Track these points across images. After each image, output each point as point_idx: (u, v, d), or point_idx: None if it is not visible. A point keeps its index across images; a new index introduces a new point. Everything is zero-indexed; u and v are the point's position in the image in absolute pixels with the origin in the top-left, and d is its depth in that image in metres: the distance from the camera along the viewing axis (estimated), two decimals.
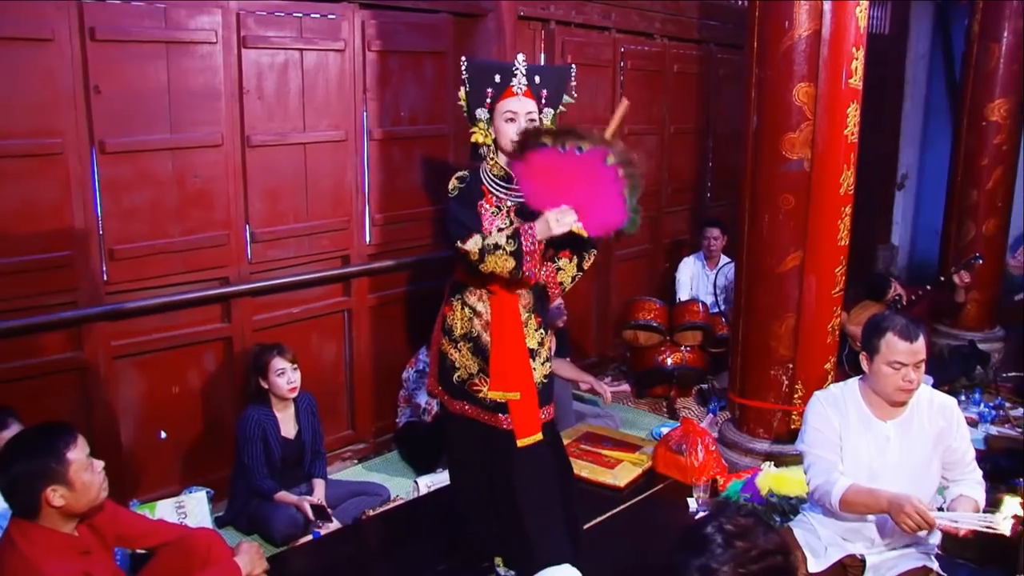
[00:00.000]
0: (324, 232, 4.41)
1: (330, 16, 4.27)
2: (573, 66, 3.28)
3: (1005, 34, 6.02)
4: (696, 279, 6.23)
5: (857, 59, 3.99)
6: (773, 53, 4.06)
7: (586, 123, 3.39)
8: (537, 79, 3.06)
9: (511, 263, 2.89)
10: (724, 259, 6.11)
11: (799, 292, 4.18)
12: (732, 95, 6.51)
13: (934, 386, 3.48)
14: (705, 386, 5.66)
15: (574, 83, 3.20)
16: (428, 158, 4.84)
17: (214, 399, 4.14)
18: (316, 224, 4.36)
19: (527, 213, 3.01)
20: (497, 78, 3.01)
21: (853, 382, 2.94)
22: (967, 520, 2.62)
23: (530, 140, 2.95)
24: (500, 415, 3.13)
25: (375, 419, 4.82)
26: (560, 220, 2.87)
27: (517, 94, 3.02)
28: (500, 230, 2.99)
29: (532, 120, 3.03)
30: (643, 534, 3.79)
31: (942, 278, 6.11)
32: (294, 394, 3.93)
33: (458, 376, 3.20)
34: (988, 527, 2.57)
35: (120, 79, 3.60)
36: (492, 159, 3.11)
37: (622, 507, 4.04)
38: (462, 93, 3.10)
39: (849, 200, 4.14)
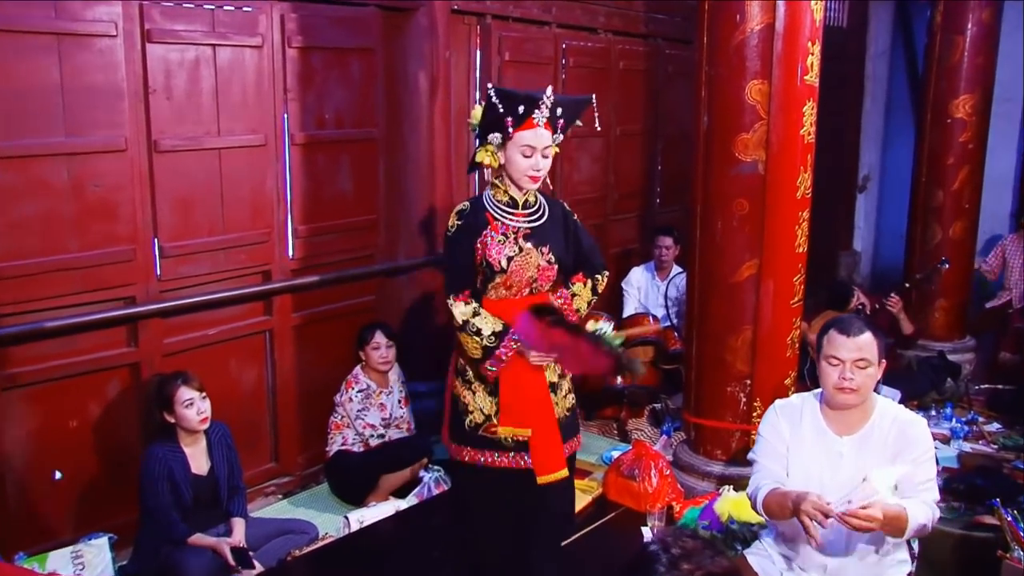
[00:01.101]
0: (242, 246, 4.24)
1: (245, 9, 4.14)
2: (594, 96, 3.22)
3: (969, 26, 5.95)
4: (646, 290, 6.17)
5: (813, 54, 3.97)
6: (724, 49, 4.03)
7: None
8: (559, 111, 3.05)
9: (478, 354, 3.03)
10: (676, 269, 6.06)
11: (756, 302, 4.15)
12: (682, 94, 6.43)
13: (902, 401, 3.39)
14: (658, 406, 5.53)
15: (596, 114, 3.18)
16: (356, 164, 4.73)
17: (119, 433, 3.91)
18: (233, 237, 4.19)
19: (538, 237, 3.08)
20: (521, 109, 2.97)
21: (815, 393, 2.90)
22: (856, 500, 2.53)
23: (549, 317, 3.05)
24: (522, 454, 3.15)
25: (301, 449, 4.66)
26: (540, 358, 3.05)
27: (537, 125, 3.00)
28: (492, 330, 3.04)
29: (547, 155, 3.03)
30: (594, 567, 3.72)
31: (907, 284, 6.07)
32: (205, 425, 3.71)
33: (471, 421, 3.17)
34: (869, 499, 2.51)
35: (4, 76, 3.37)
36: (499, 186, 3.11)
37: (571, 538, 3.88)
38: (477, 112, 3.06)
39: (807, 204, 4.13)
